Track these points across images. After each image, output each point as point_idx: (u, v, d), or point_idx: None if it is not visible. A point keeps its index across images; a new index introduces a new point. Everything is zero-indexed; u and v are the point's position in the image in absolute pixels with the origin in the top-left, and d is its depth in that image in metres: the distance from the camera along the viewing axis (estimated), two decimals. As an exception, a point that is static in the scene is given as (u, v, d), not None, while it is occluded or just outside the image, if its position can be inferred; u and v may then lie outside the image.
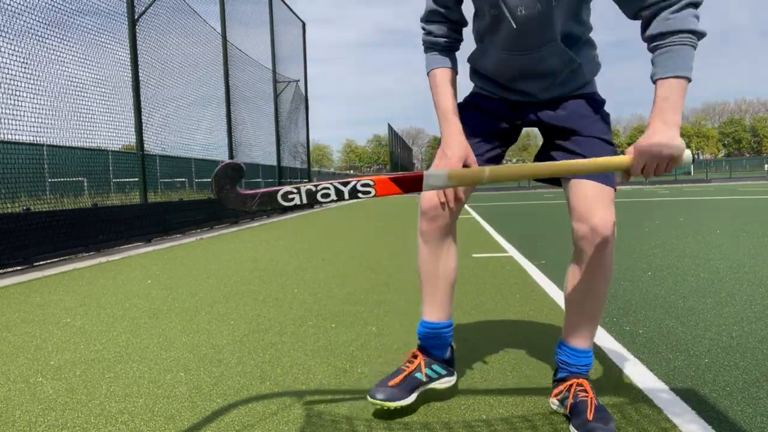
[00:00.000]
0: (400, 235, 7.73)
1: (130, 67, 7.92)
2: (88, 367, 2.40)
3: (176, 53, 9.36)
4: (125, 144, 8.14)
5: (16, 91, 5.66)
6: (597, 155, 1.62)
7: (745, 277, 3.79)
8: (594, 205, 1.62)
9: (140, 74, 8.09)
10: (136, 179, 8.17)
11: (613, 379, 2.03)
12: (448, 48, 1.79)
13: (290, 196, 1.38)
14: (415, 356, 1.84)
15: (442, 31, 1.76)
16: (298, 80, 17.09)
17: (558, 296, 3.43)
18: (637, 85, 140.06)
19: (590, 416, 1.59)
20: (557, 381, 1.78)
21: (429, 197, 1.73)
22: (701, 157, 70.42)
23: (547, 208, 13.67)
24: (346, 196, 1.39)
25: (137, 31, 8.03)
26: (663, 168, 1.40)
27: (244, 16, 12.78)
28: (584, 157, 1.65)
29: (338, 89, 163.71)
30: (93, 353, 2.60)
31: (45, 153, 6.41)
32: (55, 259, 6.08)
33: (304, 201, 1.38)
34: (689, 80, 1.42)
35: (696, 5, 1.43)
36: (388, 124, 47.40)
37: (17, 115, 5.65)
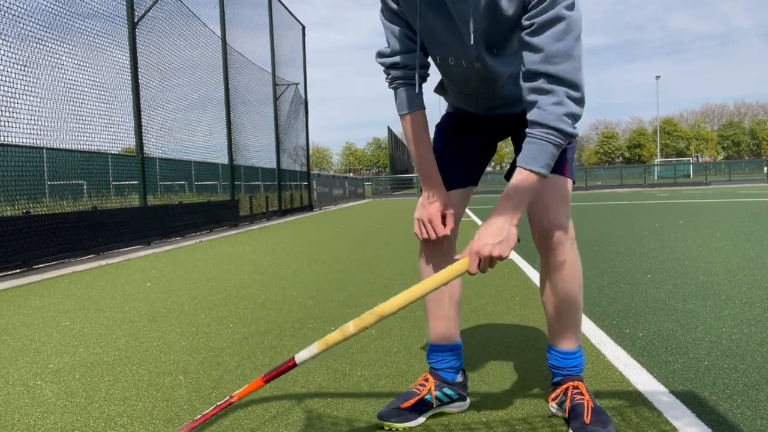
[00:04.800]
0: (399, 237, 7.73)
1: (129, 71, 7.93)
2: (87, 370, 2.40)
3: (176, 56, 9.37)
4: (125, 147, 8.15)
5: (15, 94, 5.66)
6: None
7: (744, 279, 3.79)
8: (545, 206, 1.63)
9: (140, 77, 8.10)
10: (135, 182, 8.17)
11: (612, 382, 2.03)
12: (423, 80, 1.70)
13: None
14: (426, 380, 1.82)
15: (422, 60, 1.66)
16: (298, 83, 17.10)
17: (557, 299, 3.43)
18: (636, 88, 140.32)
19: (587, 419, 1.59)
20: (554, 385, 1.79)
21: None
22: (700, 160, 70.44)
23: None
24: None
25: (137, 34, 8.04)
26: (493, 263, 1.45)
27: (244, 20, 12.80)
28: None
29: (338, 92, 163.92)
30: (92, 356, 2.60)
31: (44, 156, 6.41)
32: (55, 262, 6.07)
33: None
34: (543, 175, 1.45)
35: (577, 100, 1.43)
36: (388, 127, 47.52)
37: (17, 118, 5.66)
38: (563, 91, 1.41)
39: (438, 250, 1.80)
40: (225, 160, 11.57)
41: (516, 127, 1.83)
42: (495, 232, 1.43)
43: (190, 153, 10.29)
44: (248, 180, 13.12)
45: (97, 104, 7.11)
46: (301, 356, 1.49)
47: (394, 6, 1.60)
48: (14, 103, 5.64)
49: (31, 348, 2.79)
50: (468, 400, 1.87)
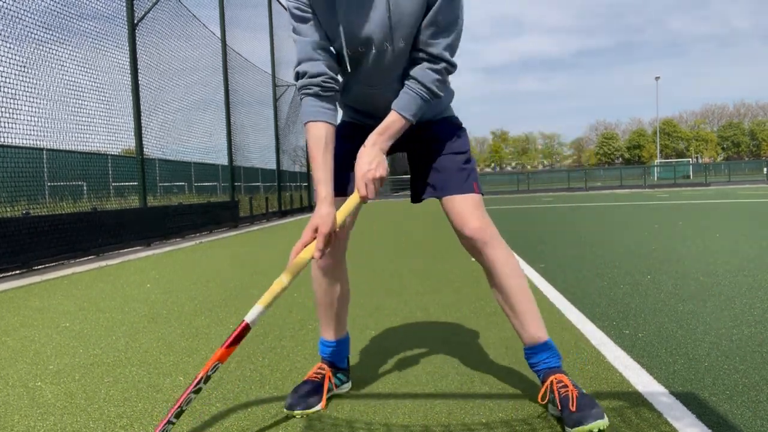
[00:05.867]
0: (399, 239, 7.73)
1: (129, 72, 7.93)
2: (87, 371, 2.40)
3: (176, 57, 9.38)
4: (125, 148, 8.15)
5: (15, 95, 5.67)
6: (453, 166, 1.86)
7: (744, 280, 3.79)
8: (464, 217, 1.81)
9: (140, 78, 8.10)
10: (135, 183, 8.17)
11: (613, 383, 2.03)
12: (328, 89, 1.73)
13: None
14: (321, 368, 1.99)
15: (319, 69, 1.71)
16: (298, 84, 17.08)
17: (558, 299, 3.43)
18: (635, 89, 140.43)
19: (573, 407, 1.61)
20: (541, 385, 1.79)
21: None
22: (700, 161, 70.48)
23: (547, 211, 13.68)
24: (203, 384, 1.63)
25: (137, 35, 8.05)
26: (378, 185, 1.70)
27: (244, 21, 12.81)
28: (442, 170, 1.87)
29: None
30: (92, 357, 2.60)
31: (44, 157, 6.41)
32: (54, 263, 6.07)
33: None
34: (409, 121, 1.74)
35: (450, 71, 1.74)
36: (388, 128, 47.33)
37: (17, 118, 5.66)
38: (443, 66, 1.72)
39: (333, 260, 1.95)
40: (225, 161, 11.57)
41: (409, 139, 1.89)
42: (372, 159, 1.70)
43: (189, 154, 10.29)
44: (248, 181, 13.13)
45: (97, 105, 7.12)
46: (250, 317, 1.69)
47: (306, 13, 1.73)
48: (14, 103, 5.65)
49: (31, 349, 2.78)
50: (350, 380, 2.07)
